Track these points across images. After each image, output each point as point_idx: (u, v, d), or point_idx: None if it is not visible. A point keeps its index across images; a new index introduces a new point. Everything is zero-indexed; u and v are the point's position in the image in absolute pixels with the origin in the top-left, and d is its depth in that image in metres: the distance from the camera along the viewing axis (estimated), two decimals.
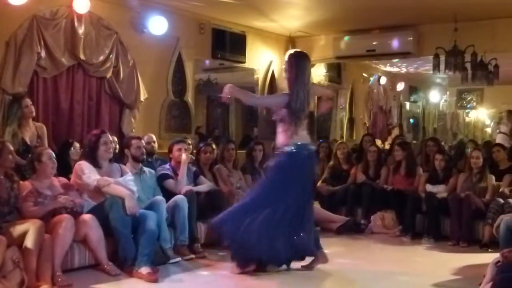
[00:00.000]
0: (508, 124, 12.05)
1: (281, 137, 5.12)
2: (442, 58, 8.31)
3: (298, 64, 5.13)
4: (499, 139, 11.35)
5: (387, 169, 7.73)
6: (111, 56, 6.85)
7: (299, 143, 5.04)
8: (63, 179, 5.22)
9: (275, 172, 5.18)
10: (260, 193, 5.20)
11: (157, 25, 7.24)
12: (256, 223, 4.93)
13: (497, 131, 12.47)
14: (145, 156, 5.99)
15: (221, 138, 9.14)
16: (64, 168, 5.55)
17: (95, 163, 5.25)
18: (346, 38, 9.18)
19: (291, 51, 5.42)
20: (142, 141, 6.04)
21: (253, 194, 5.30)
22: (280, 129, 5.13)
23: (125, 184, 5.24)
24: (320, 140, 9.28)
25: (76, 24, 6.44)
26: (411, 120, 15.71)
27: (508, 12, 7.84)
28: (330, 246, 5.84)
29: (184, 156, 6.07)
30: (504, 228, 4.78)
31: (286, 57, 5.25)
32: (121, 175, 5.39)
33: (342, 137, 11.07)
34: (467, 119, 17.27)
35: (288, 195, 4.99)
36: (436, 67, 8.43)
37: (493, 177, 6.92)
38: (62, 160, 5.62)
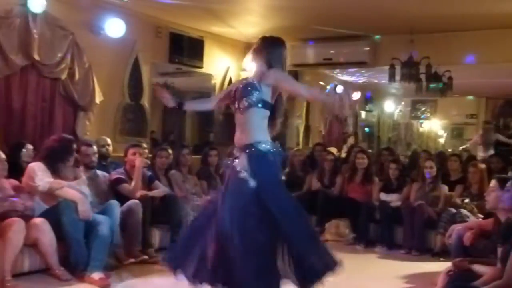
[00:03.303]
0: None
1: None
2: (398, 68, 8.45)
3: None
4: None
5: (342, 177, 7.79)
6: (66, 57, 6.70)
7: None
8: (14, 181, 5.08)
9: None
10: None
11: (114, 27, 7.13)
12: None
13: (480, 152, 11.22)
14: (95, 163, 5.85)
15: (176, 143, 9.05)
16: (15, 170, 5.35)
17: (53, 167, 5.12)
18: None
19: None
20: (93, 147, 5.87)
21: None
22: None
23: (78, 188, 5.13)
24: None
25: (30, 23, 6.27)
26: (366, 129, 15.85)
27: (462, 25, 8.03)
28: None
29: (138, 160, 5.99)
30: (455, 238, 4.85)
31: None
32: (75, 179, 5.28)
33: (298, 144, 11.10)
34: (420, 129, 17.52)
35: None
36: (391, 77, 8.56)
37: (446, 187, 7.05)
38: (13, 162, 5.40)
